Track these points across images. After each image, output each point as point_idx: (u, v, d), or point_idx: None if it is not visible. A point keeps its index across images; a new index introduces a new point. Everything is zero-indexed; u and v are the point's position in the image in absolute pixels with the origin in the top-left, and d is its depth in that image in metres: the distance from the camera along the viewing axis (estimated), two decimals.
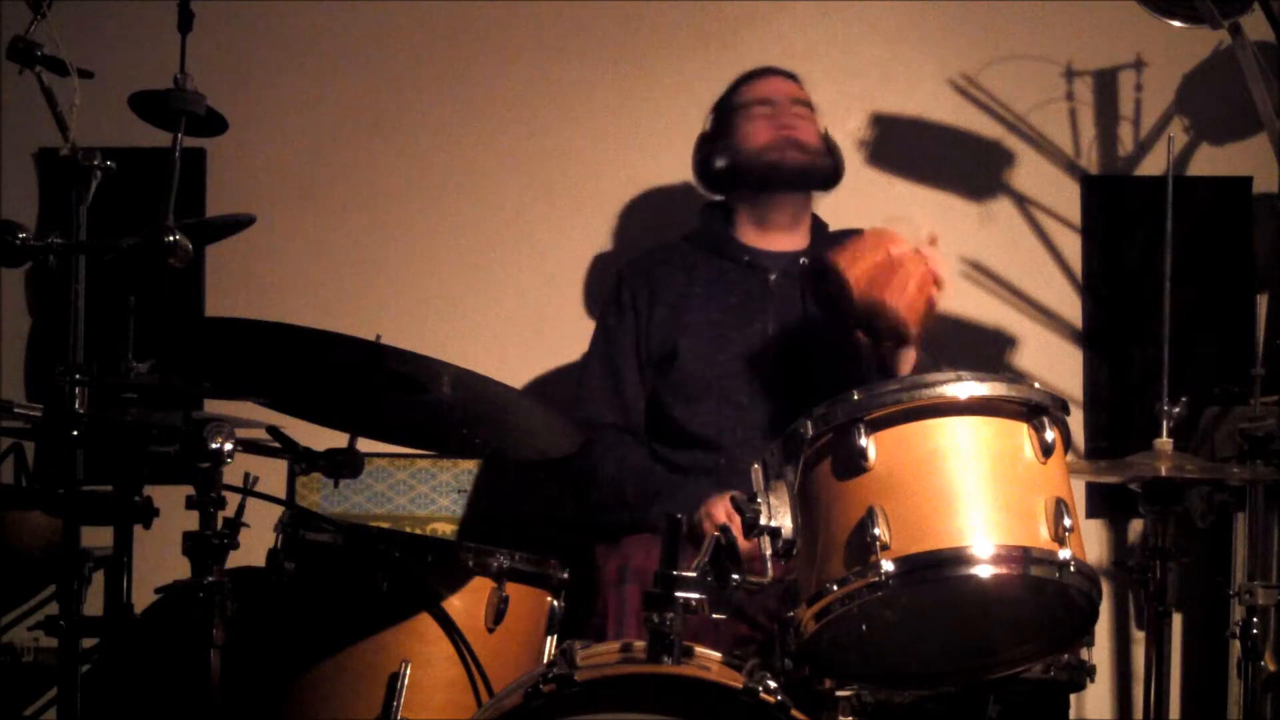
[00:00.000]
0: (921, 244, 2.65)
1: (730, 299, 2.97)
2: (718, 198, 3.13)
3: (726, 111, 3.09)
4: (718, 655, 2.02)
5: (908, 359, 2.75)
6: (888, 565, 1.83)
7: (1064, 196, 3.57)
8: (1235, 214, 3.54)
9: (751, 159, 3.00)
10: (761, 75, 3.11)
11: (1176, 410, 2.55)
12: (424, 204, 3.54)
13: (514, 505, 3.31)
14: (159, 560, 2.22)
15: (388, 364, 2.20)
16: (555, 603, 2.34)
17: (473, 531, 3.29)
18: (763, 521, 1.93)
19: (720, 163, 3.04)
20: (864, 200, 3.23)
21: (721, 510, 2.59)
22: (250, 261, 3.44)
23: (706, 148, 3.10)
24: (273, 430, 2.25)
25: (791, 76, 3.11)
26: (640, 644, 1.96)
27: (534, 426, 2.49)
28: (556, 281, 3.51)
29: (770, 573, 1.97)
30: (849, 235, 3.07)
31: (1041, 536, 1.86)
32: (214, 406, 2.82)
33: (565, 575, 2.35)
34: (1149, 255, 3.25)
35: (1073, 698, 2.46)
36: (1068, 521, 1.86)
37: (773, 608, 2.10)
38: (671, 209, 3.37)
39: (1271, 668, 2.71)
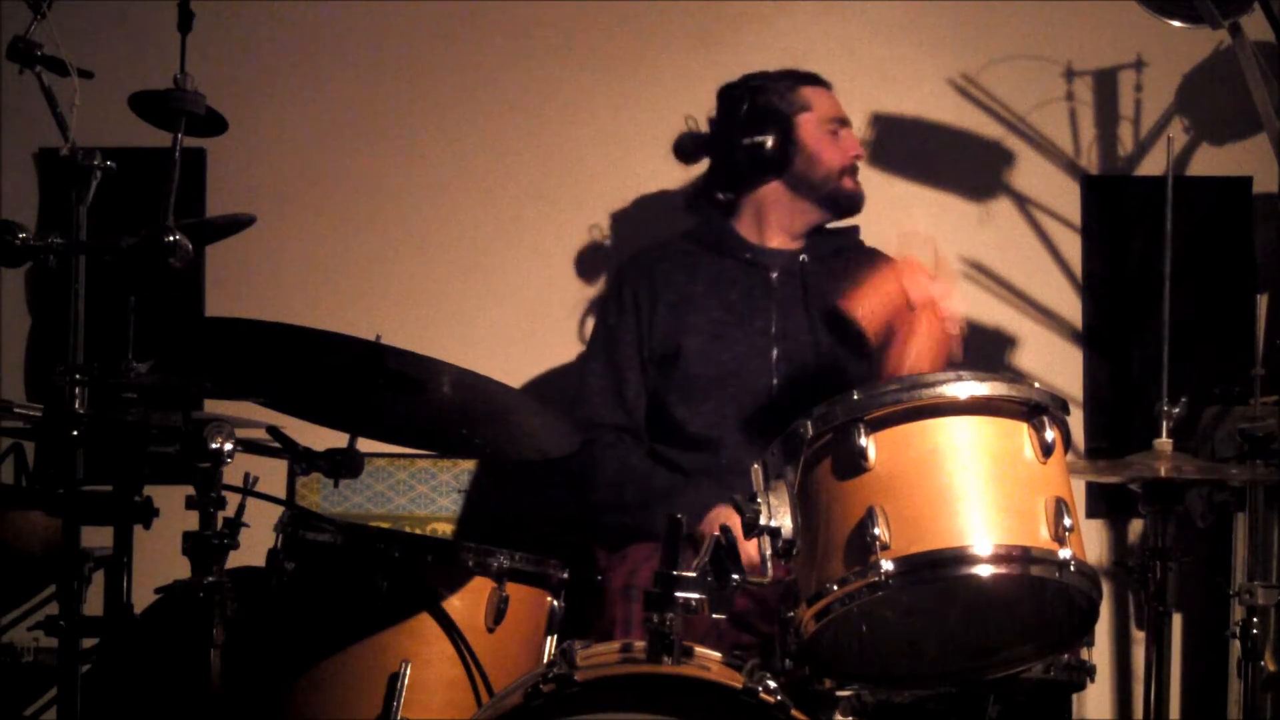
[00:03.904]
0: (934, 275, 2.64)
1: (731, 297, 2.97)
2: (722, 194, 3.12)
3: (774, 104, 3.00)
4: (718, 655, 2.02)
5: None
6: (888, 565, 1.83)
7: (1064, 196, 3.57)
8: (1235, 214, 3.54)
9: (820, 175, 2.99)
10: (821, 85, 3.07)
11: (1176, 410, 2.55)
12: (424, 204, 3.54)
13: (514, 505, 3.31)
14: (159, 560, 2.22)
15: (388, 364, 2.20)
16: (555, 603, 2.34)
17: (472, 531, 3.29)
18: (763, 521, 1.93)
19: (775, 158, 2.97)
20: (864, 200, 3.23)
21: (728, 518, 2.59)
22: (250, 261, 3.44)
23: (741, 126, 3.00)
24: (273, 430, 2.25)
25: (830, 86, 3.09)
26: (640, 644, 1.95)
27: (534, 426, 2.49)
28: (556, 282, 3.51)
29: (770, 573, 1.97)
30: (845, 233, 3.08)
31: (1041, 536, 1.86)
32: (214, 406, 2.82)
33: (565, 575, 2.35)
34: (1149, 255, 3.25)
35: (1073, 698, 2.47)
36: (1068, 521, 1.86)
37: (773, 608, 2.10)
38: (671, 209, 3.36)
39: (1271, 668, 2.72)
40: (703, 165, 3.14)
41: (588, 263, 3.52)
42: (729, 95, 3.07)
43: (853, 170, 3.03)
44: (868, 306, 2.67)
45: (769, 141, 2.97)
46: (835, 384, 2.81)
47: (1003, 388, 1.91)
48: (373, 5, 3.53)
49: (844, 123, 3.05)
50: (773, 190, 3.01)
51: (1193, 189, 3.40)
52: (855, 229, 3.10)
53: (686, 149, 3.14)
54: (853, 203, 3.04)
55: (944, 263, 2.73)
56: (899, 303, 2.65)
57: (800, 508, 1.93)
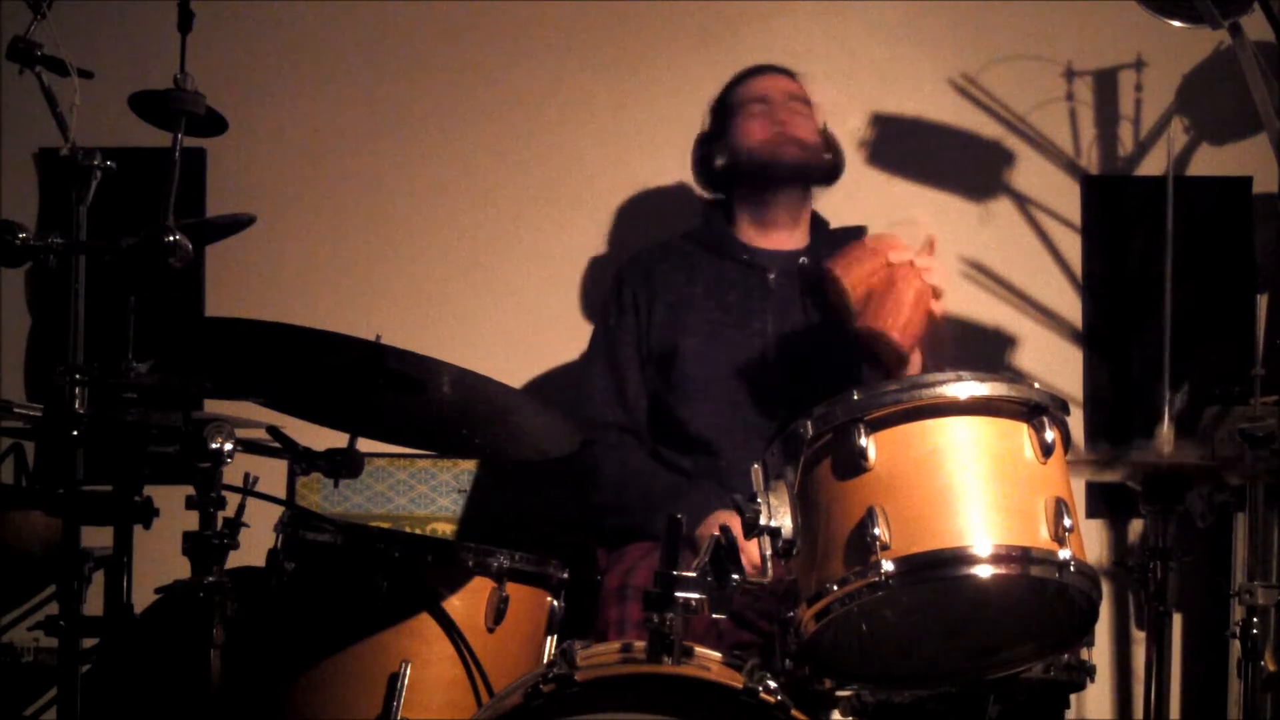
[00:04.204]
0: (919, 249, 2.64)
1: (729, 298, 2.97)
2: (717, 197, 3.13)
3: (723, 110, 3.08)
4: (718, 655, 2.01)
5: (912, 366, 2.74)
6: (888, 565, 1.83)
7: (1064, 196, 3.57)
8: (1235, 214, 3.54)
9: (749, 155, 2.99)
10: (757, 73, 3.10)
11: (1178, 399, 2.55)
12: (424, 204, 3.54)
13: (514, 505, 3.31)
14: (159, 560, 2.22)
15: (388, 364, 2.20)
16: (555, 603, 2.34)
17: (473, 531, 3.29)
18: (763, 521, 1.92)
19: (719, 161, 3.04)
20: (864, 200, 3.23)
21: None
22: (250, 261, 3.44)
23: (705, 147, 3.09)
24: (273, 430, 2.25)
25: (787, 73, 3.10)
26: (640, 644, 1.95)
27: (534, 427, 2.49)
28: (556, 281, 3.51)
29: (770, 573, 1.97)
30: (849, 233, 3.09)
31: (1041, 536, 1.86)
32: (214, 406, 2.82)
33: (565, 575, 2.35)
34: (1149, 255, 3.25)
35: (1073, 698, 2.46)
36: (1068, 521, 1.86)
37: (772, 611, 2.09)
38: (671, 209, 3.37)
39: (1271, 668, 2.71)
40: None
41: (587, 262, 3.52)
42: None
43: (789, 140, 2.98)
44: (846, 266, 2.66)
45: (715, 148, 3.04)
46: (832, 384, 2.82)
47: (1003, 388, 1.91)
48: (373, 5, 3.54)
49: (764, 100, 3.03)
50: (738, 194, 3.05)
51: (1193, 189, 3.40)
52: (861, 229, 3.10)
53: None
54: (770, 164, 2.99)
55: (934, 244, 2.71)
56: (878, 261, 2.65)
57: (800, 508, 1.93)
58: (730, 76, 3.12)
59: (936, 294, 2.63)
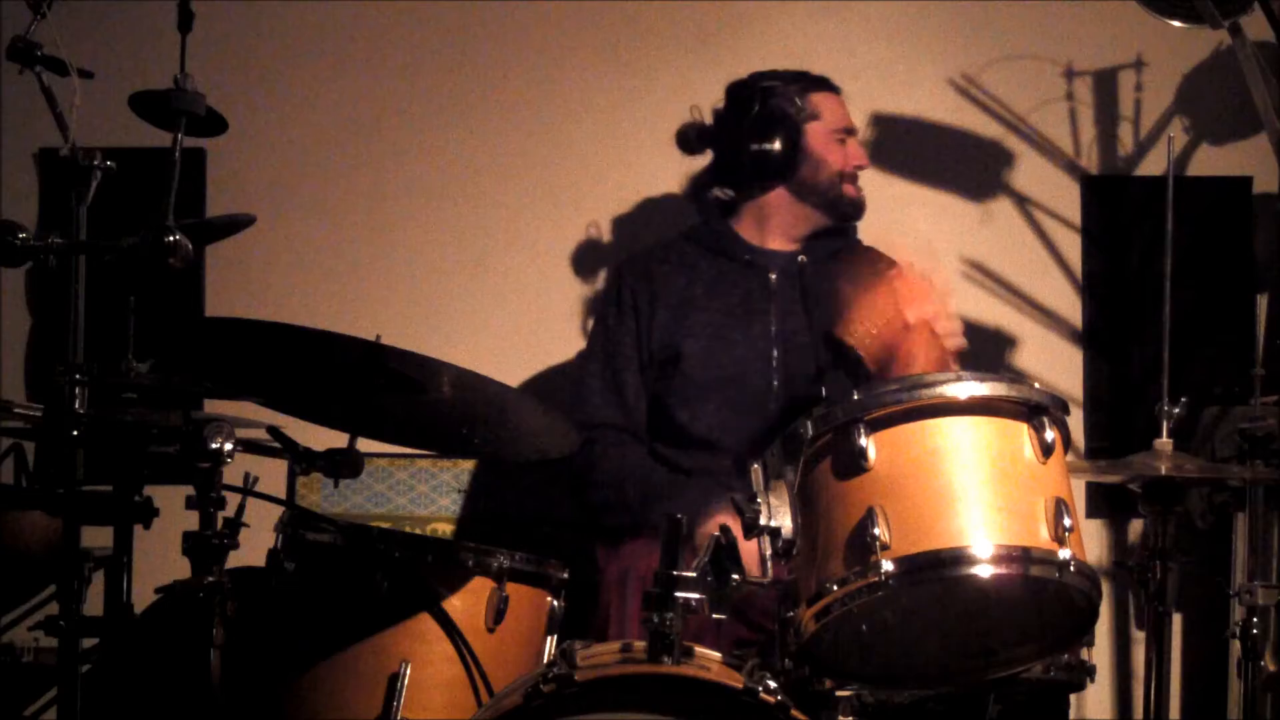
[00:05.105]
0: (938, 299, 2.62)
1: (731, 299, 2.96)
2: (722, 191, 3.11)
3: (784, 110, 2.96)
4: (718, 655, 2.02)
5: None
6: (888, 565, 1.83)
7: (1064, 196, 3.57)
8: (1235, 214, 3.54)
9: (824, 181, 2.97)
10: (832, 90, 3.04)
11: (1176, 410, 2.55)
12: (424, 204, 3.54)
13: (514, 505, 3.31)
14: (159, 560, 2.22)
15: (388, 364, 2.20)
16: (555, 603, 2.34)
17: (472, 531, 3.29)
18: (763, 521, 1.93)
19: (782, 165, 2.95)
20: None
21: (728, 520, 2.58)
22: (250, 261, 3.44)
23: (749, 130, 2.97)
24: (273, 430, 2.25)
25: (839, 93, 3.07)
26: (640, 644, 1.95)
27: (534, 426, 2.49)
28: (556, 282, 3.51)
29: (770, 573, 1.97)
30: (842, 233, 3.08)
31: (1041, 536, 1.86)
32: (214, 406, 2.82)
33: (565, 575, 2.35)
34: (1149, 255, 3.25)
35: (1073, 698, 2.47)
36: (1068, 521, 1.86)
37: (772, 608, 2.10)
38: (671, 208, 3.37)
39: (1271, 668, 2.72)
40: (704, 157, 3.13)
41: (587, 262, 3.52)
42: (739, 94, 3.03)
43: (854, 176, 3.02)
44: (864, 329, 2.65)
45: (777, 148, 2.95)
46: (833, 385, 2.83)
47: (1003, 388, 1.91)
48: (373, 5, 3.53)
49: (851, 131, 3.04)
50: (777, 195, 3.00)
51: (1193, 189, 3.40)
52: (852, 228, 3.10)
53: (689, 141, 3.12)
54: (855, 209, 3.03)
55: (943, 273, 2.71)
56: (895, 323, 2.64)
57: (800, 508, 1.93)
58: (731, 77, 3.08)
59: (956, 358, 2.63)
